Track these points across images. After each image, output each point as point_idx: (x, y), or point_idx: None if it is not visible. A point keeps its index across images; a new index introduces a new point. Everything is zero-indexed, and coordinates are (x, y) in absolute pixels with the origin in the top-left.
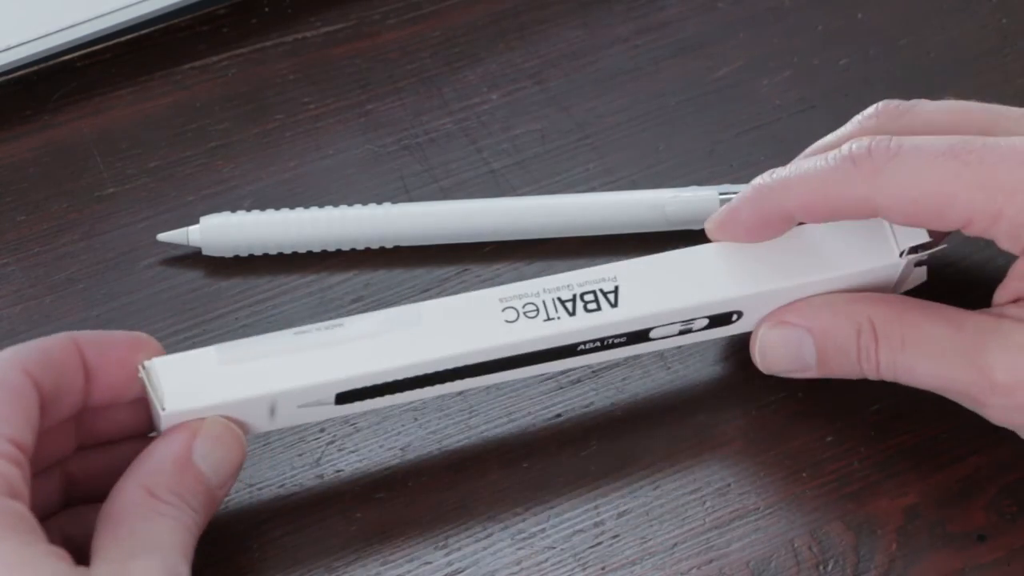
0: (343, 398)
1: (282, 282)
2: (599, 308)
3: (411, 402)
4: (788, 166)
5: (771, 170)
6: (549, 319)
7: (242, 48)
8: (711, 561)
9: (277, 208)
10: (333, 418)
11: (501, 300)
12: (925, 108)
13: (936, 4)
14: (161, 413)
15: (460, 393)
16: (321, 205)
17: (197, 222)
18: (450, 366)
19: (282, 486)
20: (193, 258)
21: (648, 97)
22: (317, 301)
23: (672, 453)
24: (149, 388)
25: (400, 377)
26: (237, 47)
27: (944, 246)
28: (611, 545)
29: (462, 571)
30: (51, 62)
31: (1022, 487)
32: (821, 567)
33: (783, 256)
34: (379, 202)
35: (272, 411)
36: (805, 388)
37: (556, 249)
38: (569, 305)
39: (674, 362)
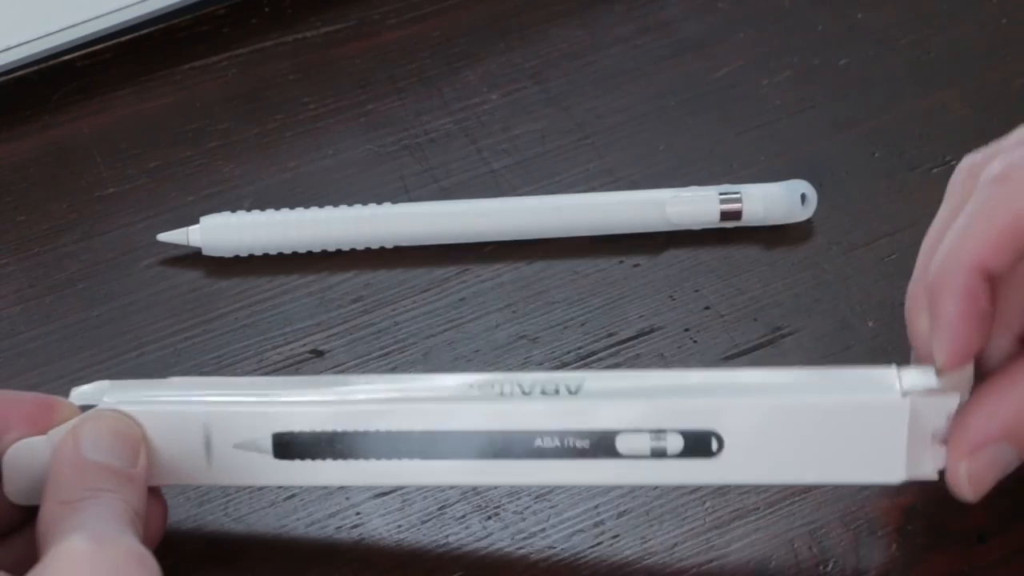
0: (283, 447)
1: (282, 282)
2: (558, 393)
3: (361, 485)
4: (940, 248)
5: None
6: (503, 394)
7: (242, 48)
8: (711, 561)
9: (277, 208)
10: (265, 486)
11: (471, 385)
12: (1006, 145)
13: (936, 4)
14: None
15: (417, 488)
16: (321, 205)
17: (197, 222)
18: (395, 427)
19: (282, 486)
20: (193, 258)
21: (648, 97)
22: (317, 301)
23: None
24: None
25: (346, 428)
26: (237, 47)
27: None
28: (611, 545)
29: (462, 571)
30: (51, 62)
31: (1022, 488)
32: (821, 567)
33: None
34: (379, 202)
35: (208, 446)
36: None
37: (556, 249)
38: (528, 389)
39: (674, 362)
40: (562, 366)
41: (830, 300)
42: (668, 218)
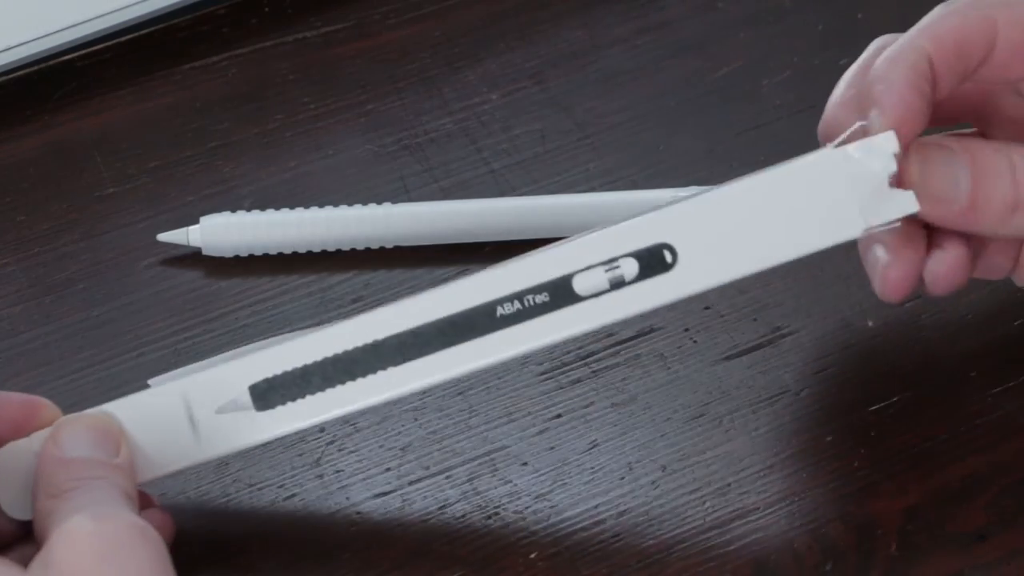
0: (262, 397)
1: (282, 282)
2: (504, 262)
3: (349, 412)
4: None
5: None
6: (450, 280)
7: (242, 48)
8: (711, 561)
9: (277, 208)
10: (259, 444)
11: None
12: None
13: (936, 4)
14: None
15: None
16: (321, 205)
17: (197, 222)
18: (361, 341)
19: (282, 486)
20: (193, 258)
21: (648, 97)
22: (317, 301)
23: (672, 453)
24: None
25: (315, 358)
26: (237, 47)
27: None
28: (611, 545)
29: (462, 571)
30: (51, 62)
31: (1022, 487)
32: (821, 567)
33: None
34: (379, 202)
35: (192, 421)
36: (806, 388)
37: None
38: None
39: (674, 362)
40: (562, 366)
41: (830, 300)
42: None
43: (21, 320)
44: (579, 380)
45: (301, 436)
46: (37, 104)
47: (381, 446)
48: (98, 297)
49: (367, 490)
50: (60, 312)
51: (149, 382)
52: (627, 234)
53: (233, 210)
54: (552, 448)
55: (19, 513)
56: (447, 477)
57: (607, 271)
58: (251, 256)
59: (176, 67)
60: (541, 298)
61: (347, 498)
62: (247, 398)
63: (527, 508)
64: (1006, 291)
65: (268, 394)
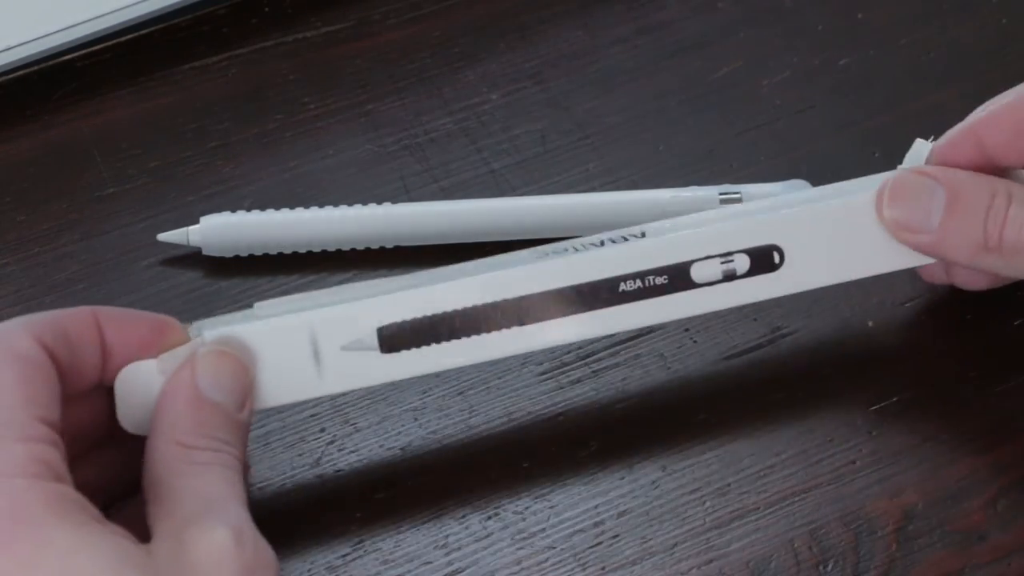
0: (389, 340)
1: (282, 282)
2: (628, 240)
3: (468, 364)
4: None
5: None
6: (578, 250)
7: (242, 48)
8: (711, 561)
9: (277, 208)
10: (380, 384)
11: (546, 252)
12: None
13: (936, 4)
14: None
15: (521, 354)
16: (321, 205)
17: (197, 222)
18: (489, 298)
19: (282, 486)
20: (193, 258)
21: (648, 97)
22: None
23: (672, 453)
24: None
25: (448, 308)
26: (237, 47)
27: None
28: (611, 545)
29: (462, 571)
30: (51, 62)
31: (1022, 487)
32: (821, 567)
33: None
34: (379, 202)
35: (316, 355)
36: (805, 388)
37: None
38: (600, 243)
39: (674, 362)
40: (562, 366)
41: (829, 300)
42: (668, 218)
43: None
44: (579, 380)
45: (301, 436)
46: (37, 104)
47: (381, 446)
48: (98, 297)
49: (367, 490)
50: None
51: (255, 305)
52: (744, 232)
53: (233, 210)
54: (552, 448)
55: (139, 429)
56: (447, 477)
57: (722, 263)
58: (251, 256)
59: (176, 67)
60: (660, 280)
61: (347, 498)
62: (374, 339)
63: (527, 508)
64: (1006, 291)
65: (394, 338)
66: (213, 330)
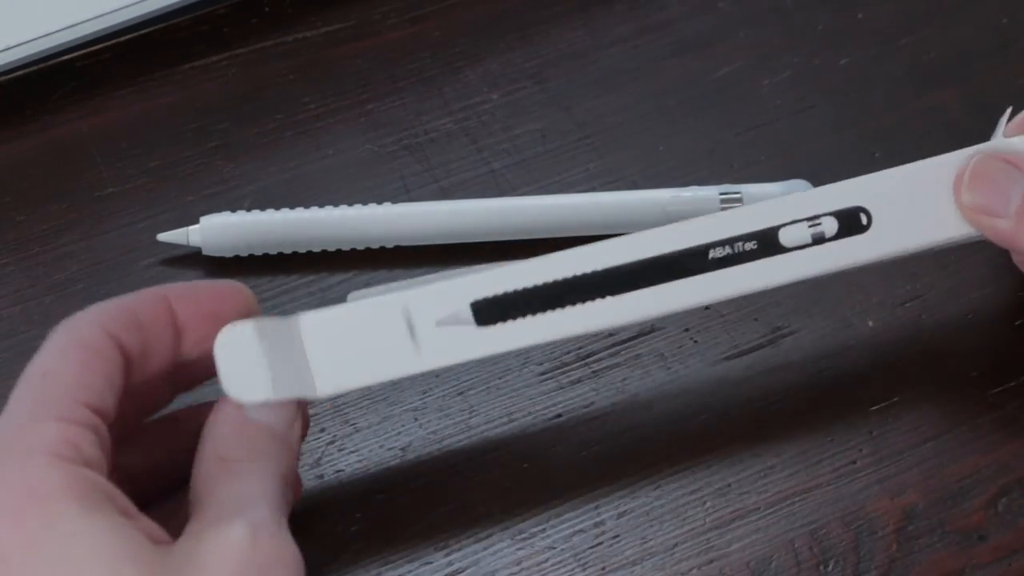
0: (483, 313)
1: (282, 282)
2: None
3: (562, 337)
4: None
5: None
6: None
7: (242, 48)
8: (711, 561)
9: (277, 208)
10: (477, 359)
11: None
12: None
13: (937, 4)
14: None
15: (607, 329)
16: (321, 205)
17: (197, 222)
18: (581, 269)
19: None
20: (193, 258)
21: (648, 97)
22: (317, 301)
23: (672, 453)
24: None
25: (541, 281)
26: (237, 47)
27: None
28: (611, 545)
29: (462, 571)
30: (51, 62)
31: (1023, 487)
32: (821, 567)
33: None
34: (379, 202)
35: (412, 332)
36: (806, 388)
37: (556, 249)
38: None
39: (674, 362)
40: (562, 366)
41: (830, 300)
42: (669, 218)
43: (21, 320)
44: (579, 380)
45: None
46: (37, 104)
47: (381, 446)
48: (98, 297)
49: (367, 490)
50: (60, 312)
51: (348, 296)
52: (830, 196)
53: (233, 210)
54: (553, 449)
55: (241, 394)
56: (448, 478)
57: (810, 227)
58: (251, 256)
59: (176, 67)
60: (750, 245)
61: (347, 498)
62: (468, 314)
63: (527, 508)
64: (1007, 291)
65: (489, 311)
66: (308, 313)
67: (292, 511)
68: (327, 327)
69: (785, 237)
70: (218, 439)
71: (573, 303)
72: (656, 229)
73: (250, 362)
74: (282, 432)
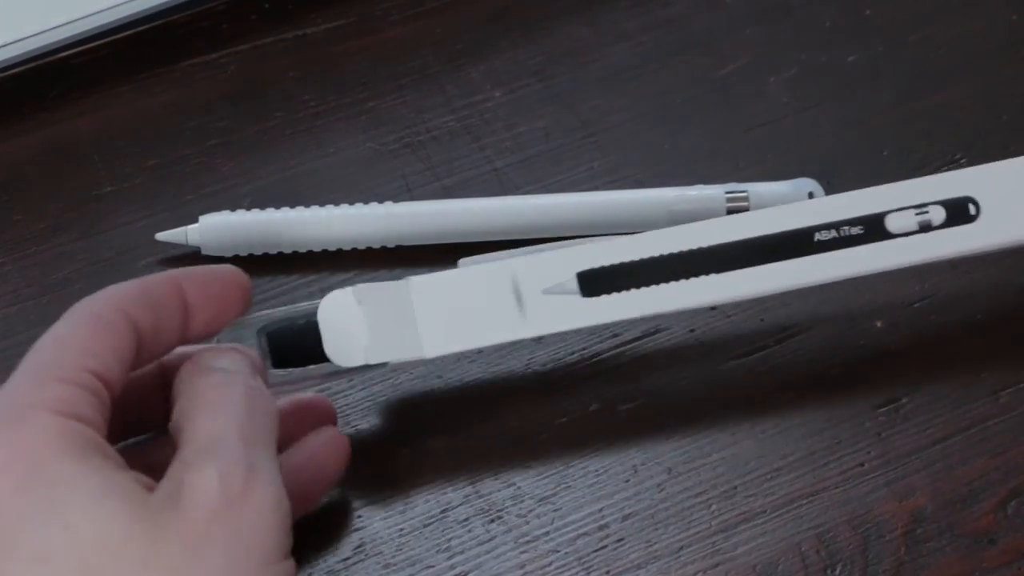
0: (589, 284)
1: (282, 282)
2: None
3: (665, 311)
4: None
5: None
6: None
7: (242, 45)
8: (717, 565)
9: (277, 207)
10: (580, 328)
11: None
12: None
13: (945, 0)
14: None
15: (711, 307)
16: (322, 204)
17: (196, 221)
18: (686, 246)
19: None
20: (192, 258)
21: (653, 94)
22: None
23: (677, 455)
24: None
25: (647, 255)
26: (237, 44)
27: None
28: (616, 549)
29: (465, 575)
30: (48, 59)
31: None
32: (829, 571)
33: None
34: (381, 201)
35: (519, 298)
36: (813, 389)
37: None
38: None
39: (680, 363)
40: (567, 366)
41: (837, 300)
42: (673, 218)
43: (18, 321)
44: (583, 381)
45: None
46: (34, 102)
47: (382, 448)
48: None
49: (368, 493)
50: (57, 313)
51: (459, 262)
52: (938, 185)
53: (232, 209)
54: (556, 450)
55: (343, 360)
56: (449, 480)
57: (917, 214)
58: (251, 256)
59: (175, 64)
60: (856, 230)
61: (348, 501)
62: (574, 284)
63: (530, 511)
64: (1017, 291)
65: (595, 282)
66: (418, 277)
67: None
68: (436, 290)
69: (892, 223)
70: (189, 381)
71: (677, 278)
72: (763, 210)
73: (352, 327)
74: (247, 373)
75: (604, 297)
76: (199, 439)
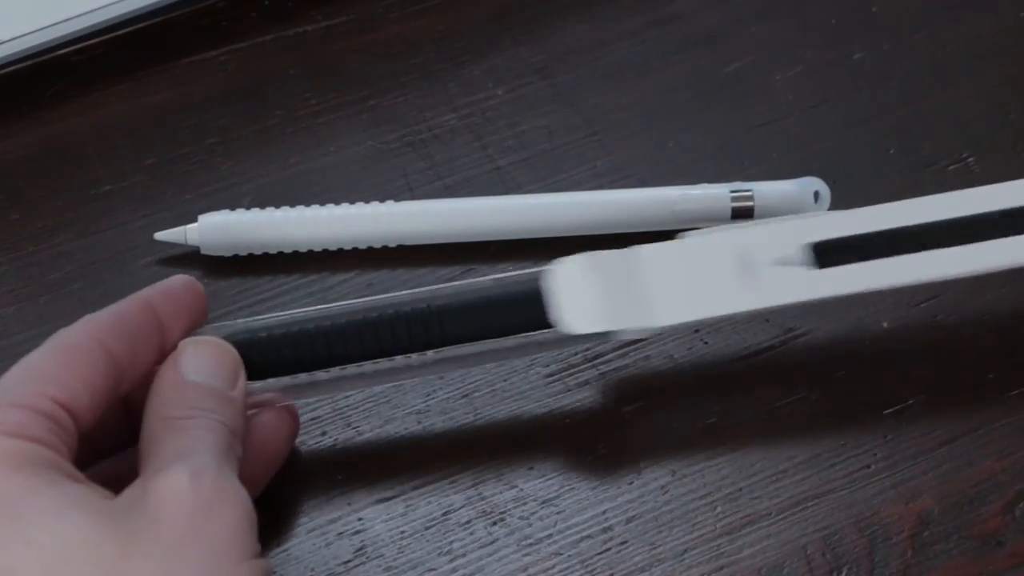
0: (821, 255)
1: (282, 282)
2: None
3: (898, 284)
4: None
5: None
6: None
7: (241, 42)
8: (721, 568)
9: (277, 206)
10: (812, 300)
11: None
12: None
13: None
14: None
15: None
16: (322, 203)
17: (195, 220)
18: (915, 220)
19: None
20: (191, 257)
21: (657, 92)
22: (318, 301)
23: (682, 457)
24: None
25: (875, 228)
26: (236, 41)
27: None
28: (619, 551)
29: None
30: (46, 57)
31: None
32: (835, 574)
33: None
34: (382, 200)
35: (747, 267)
36: (819, 391)
37: (562, 248)
38: None
39: (684, 364)
40: (569, 368)
41: (843, 301)
42: (678, 217)
43: (15, 321)
44: (587, 382)
45: (302, 440)
46: (31, 100)
47: (384, 450)
48: (94, 297)
49: (369, 495)
50: (55, 313)
51: (677, 235)
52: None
53: (232, 208)
54: (559, 452)
55: (582, 327)
56: (451, 482)
57: None
58: (250, 255)
59: (174, 62)
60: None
61: (348, 503)
62: (806, 255)
63: (533, 514)
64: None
65: (827, 254)
66: (647, 246)
67: (296, 514)
68: (666, 260)
69: None
70: (161, 400)
71: (912, 251)
72: (1004, 184)
73: (584, 294)
74: (221, 389)
75: (835, 269)
76: (171, 451)
